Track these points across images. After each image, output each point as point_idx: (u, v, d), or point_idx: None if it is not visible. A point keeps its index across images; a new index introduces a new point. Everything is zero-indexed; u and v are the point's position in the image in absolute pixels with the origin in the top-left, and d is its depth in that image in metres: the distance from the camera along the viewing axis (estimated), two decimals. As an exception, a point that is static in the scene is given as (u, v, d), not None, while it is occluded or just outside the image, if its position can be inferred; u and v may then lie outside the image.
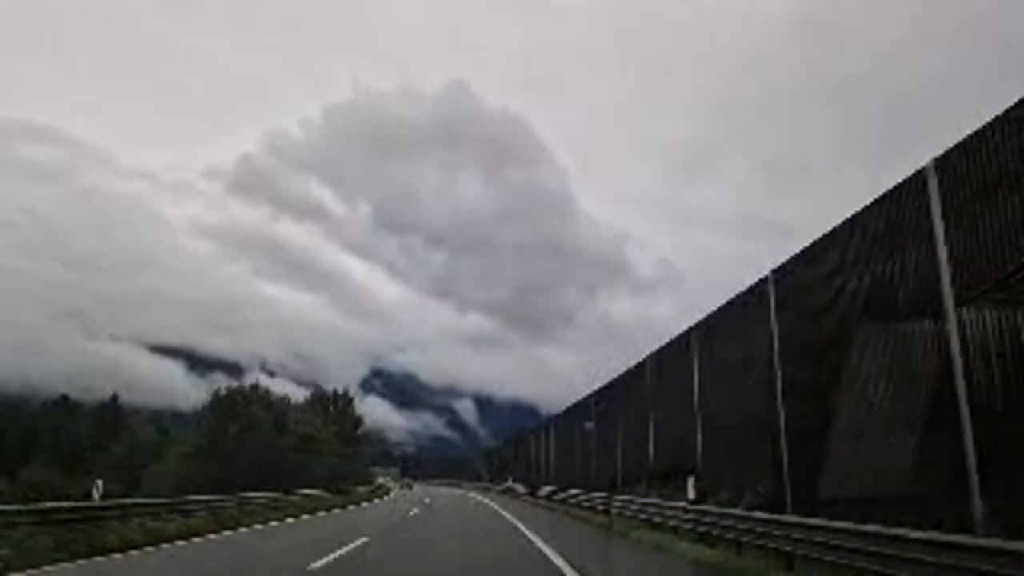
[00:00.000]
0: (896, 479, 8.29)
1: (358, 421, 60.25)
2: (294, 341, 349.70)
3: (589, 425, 25.41)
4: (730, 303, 14.14)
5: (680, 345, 17.21)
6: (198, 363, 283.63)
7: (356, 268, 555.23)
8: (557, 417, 36.59)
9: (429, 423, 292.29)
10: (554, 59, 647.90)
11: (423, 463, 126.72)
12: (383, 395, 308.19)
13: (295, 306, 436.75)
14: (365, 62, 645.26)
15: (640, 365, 20.82)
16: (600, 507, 21.95)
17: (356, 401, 63.42)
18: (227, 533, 17.46)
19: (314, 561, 10.94)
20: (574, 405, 32.00)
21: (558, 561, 11.09)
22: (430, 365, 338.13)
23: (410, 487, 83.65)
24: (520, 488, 41.33)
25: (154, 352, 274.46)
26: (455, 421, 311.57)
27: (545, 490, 33.34)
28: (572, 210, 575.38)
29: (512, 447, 50.71)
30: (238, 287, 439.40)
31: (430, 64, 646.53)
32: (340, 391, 60.39)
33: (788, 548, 9.77)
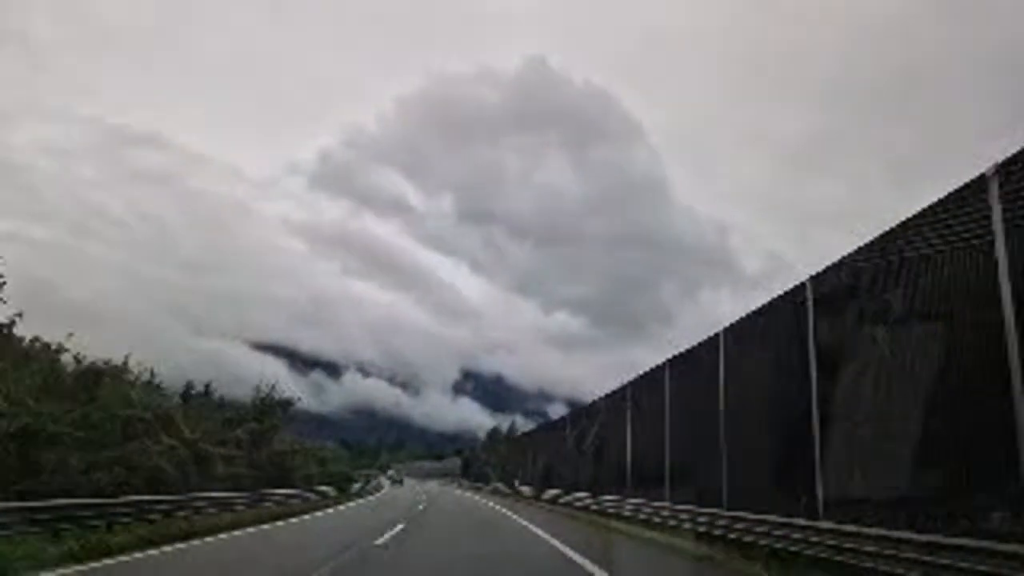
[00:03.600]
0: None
1: None
2: (385, 340, 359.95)
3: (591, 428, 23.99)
4: (765, 308, 13.95)
5: (707, 349, 16.88)
6: (297, 361, 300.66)
7: (440, 264, 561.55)
8: (563, 418, 36.14)
9: (521, 427, 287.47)
10: (644, 37, 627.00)
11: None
12: (474, 398, 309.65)
13: (383, 305, 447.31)
14: (437, 47, 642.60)
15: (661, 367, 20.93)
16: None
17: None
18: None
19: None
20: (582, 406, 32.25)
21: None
22: (519, 368, 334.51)
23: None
24: (526, 490, 40.65)
25: (256, 349, 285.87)
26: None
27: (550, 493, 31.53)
28: (667, 199, 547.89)
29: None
30: (329, 285, 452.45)
31: (506, 44, 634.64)
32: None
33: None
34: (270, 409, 35.67)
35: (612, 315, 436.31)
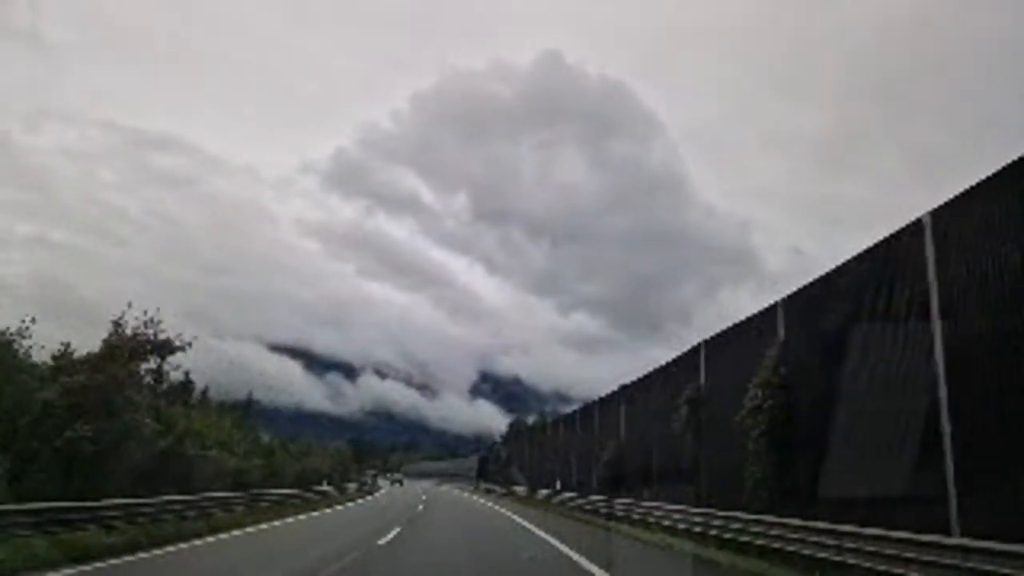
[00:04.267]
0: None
1: None
2: (401, 342, 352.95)
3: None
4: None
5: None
6: (314, 363, 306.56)
7: (456, 265, 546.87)
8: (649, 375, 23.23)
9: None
10: (661, 31, 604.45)
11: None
12: (492, 400, 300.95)
13: (399, 305, 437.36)
14: (451, 43, 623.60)
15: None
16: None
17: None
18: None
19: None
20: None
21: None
22: (536, 369, 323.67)
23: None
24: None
25: (273, 351, 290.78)
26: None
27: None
28: (686, 195, 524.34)
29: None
30: (344, 286, 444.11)
31: (520, 39, 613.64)
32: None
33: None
34: (123, 353, 19.55)
35: (630, 315, 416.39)
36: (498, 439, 75.27)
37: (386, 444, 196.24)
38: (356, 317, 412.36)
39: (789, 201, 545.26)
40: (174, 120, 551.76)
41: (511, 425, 77.90)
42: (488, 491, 53.70)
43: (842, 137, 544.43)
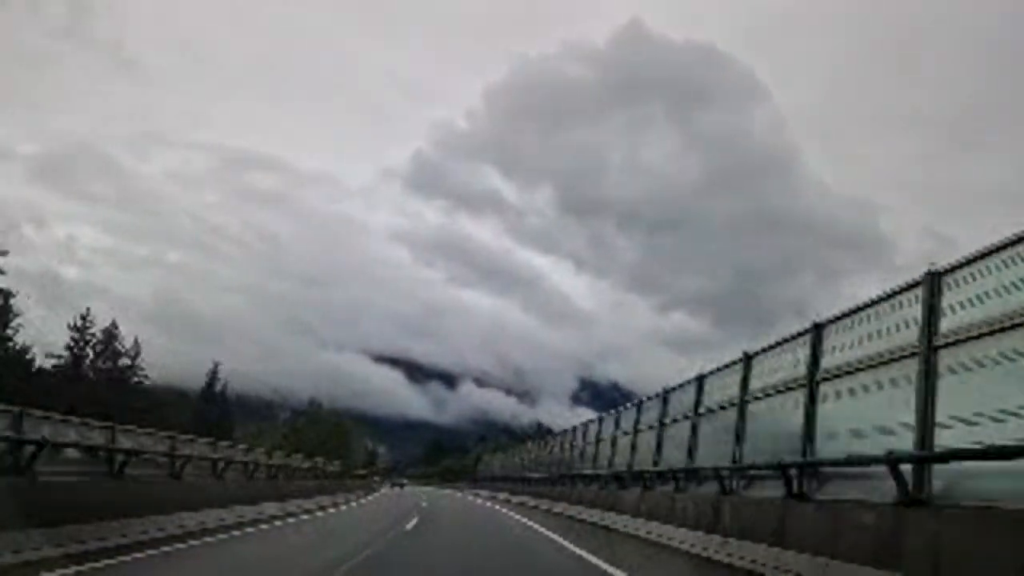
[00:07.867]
0: None
1: None
2: (497, 349, 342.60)
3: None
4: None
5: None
6: (416, 372, 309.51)
7: (544, 265, 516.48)
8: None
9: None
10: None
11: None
12: (593, 407, 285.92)
13: (490, 311, 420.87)
14: (520, 30, 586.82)
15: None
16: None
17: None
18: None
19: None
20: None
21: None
22: (635, 374, 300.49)
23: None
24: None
25: (375, 361, 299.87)
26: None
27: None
28: (797, 174, 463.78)
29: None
30: (436, 294, 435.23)
31: (594, 12, 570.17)
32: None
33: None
34: None
35: (736, 311, 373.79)
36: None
37: (470, 444, 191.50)
38: (451, 325, 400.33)
39: (917, 182, 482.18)
40: (262, 137, 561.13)
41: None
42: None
43: (975, 114, 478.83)
